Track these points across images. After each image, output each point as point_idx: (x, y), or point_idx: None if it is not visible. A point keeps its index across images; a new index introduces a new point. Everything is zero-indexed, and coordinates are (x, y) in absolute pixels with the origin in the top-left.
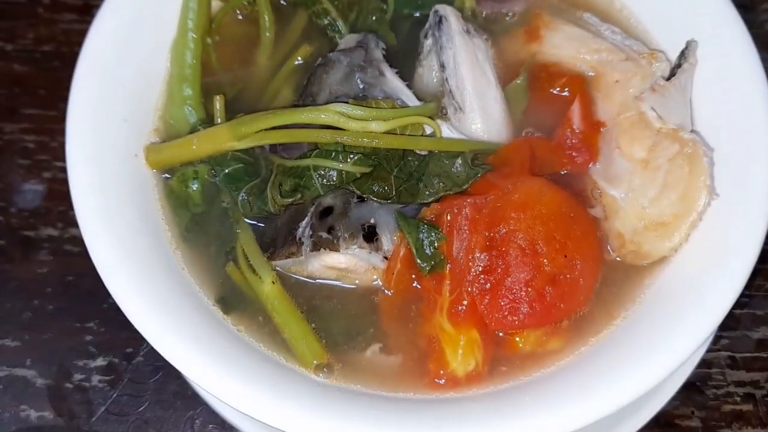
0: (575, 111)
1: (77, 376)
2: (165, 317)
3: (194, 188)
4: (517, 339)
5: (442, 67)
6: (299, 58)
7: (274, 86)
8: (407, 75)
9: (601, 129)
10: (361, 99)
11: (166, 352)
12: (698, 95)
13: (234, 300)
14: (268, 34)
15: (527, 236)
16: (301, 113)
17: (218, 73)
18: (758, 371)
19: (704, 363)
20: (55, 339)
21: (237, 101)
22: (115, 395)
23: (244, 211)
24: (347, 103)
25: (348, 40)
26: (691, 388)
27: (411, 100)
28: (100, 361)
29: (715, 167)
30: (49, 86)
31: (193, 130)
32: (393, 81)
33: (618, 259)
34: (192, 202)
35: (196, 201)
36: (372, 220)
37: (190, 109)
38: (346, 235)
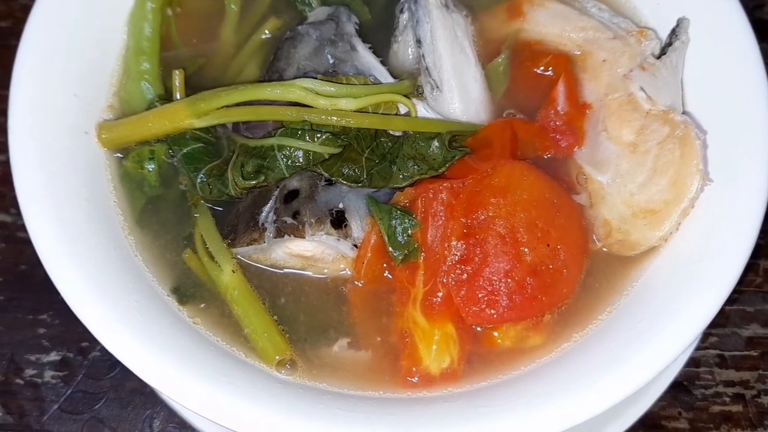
0: (560, 91)
1: (29, 372)
2: (114, 308)
3: (150, 169)
4: (496, 334)
5: (419, 42)
6: (266, 32)
7: (238, 62)
8: (382, 51)
9: (587, 111)
10: (331, 75)
11: (112, 346)
12: (690, 75)
13: (190, 290)
14: (233, 6)
15: (507, 223)
16: (265, 89)
17: (179, 47)
18: (748, 370)
19: (692, 361)
20: (5, 332)
21: (198, 77)
22: (68, 392)
23: (203, 194)
24: (316, 78)
25: (318, 12)
26: (679, 388)
27: (385, 77)
28: (54, 356)
29: (709, 151)
30: (6, 65)
31: (149, 107)
32: (366, 56)
33: (604, 249)
34: (147, 184)
35: (151, 183)
36: (341, 205)
37: (147, 84)
38: (312, 221)
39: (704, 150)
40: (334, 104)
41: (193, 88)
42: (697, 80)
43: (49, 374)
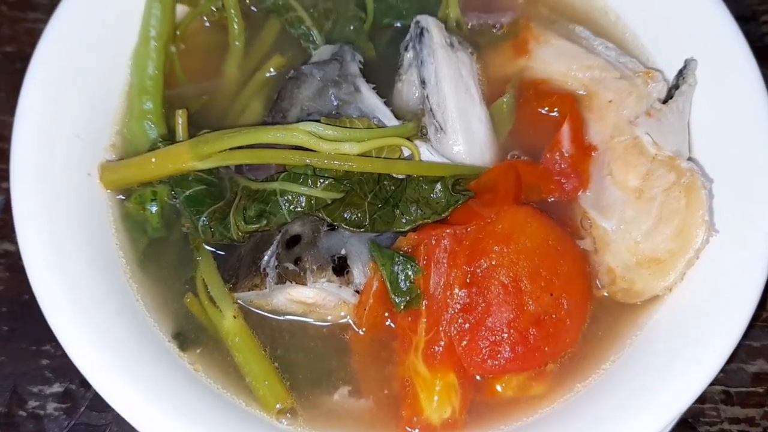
0: (565, 133)
1: (31, 403)
2: (113, 355)
3: (153, 211)
4: (498, 384)
5: (423, 83)
6: (270, 70)
7: (242, 99)
8: (386, 90)
9: (593, 153)
10: (334, 117)
11: (110, 395)
12: (697, 119)
13: (192, 335)
14: (237, 43)
15: (510, 272)
16: (268, 132)
17: (182, 84)
18: (754, 407)
19: (697, 398)
20: (8, 362)
21: (202, 115)
22: (71, 424)
23: (206, 237)
24: (319, 121)
25: (322, 51)
26: (683, 425)
27: (388, 119)
28: (56, 387)
29: (715, 200)
30: (10, 89)
31: (152, 147)
32: (369, 98)
33: (606, 294)
34: (150, 226)
35: (154, 225)
36: (343, 251)
37: (150, 123)
38: (314, 267)
39: (710, 200)
40: (337, 149)
41: (196, 126)
42: (704, 124)
43: (51, 406)
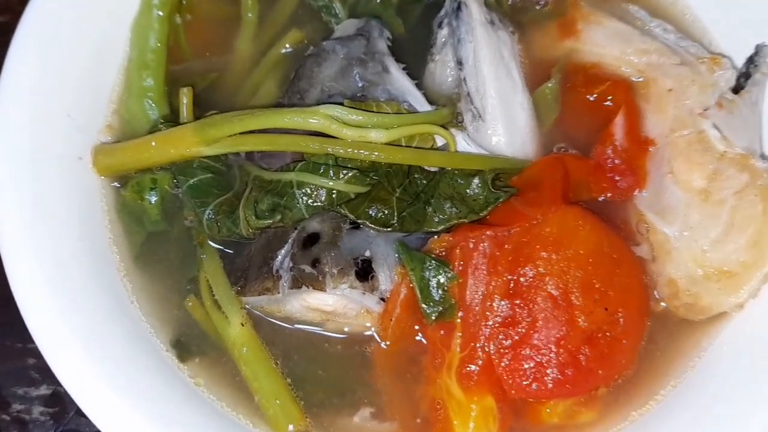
0: (618, 124)
1: (16, 406)
2: (100, 364)
3: (152, 201)
4: (542, 409)
5: (460, 64)
6: (287, 45)
7: (255, 78)
8: (417, 71)
9: (650, 148)
10: (359, 100)
11: (95, 412)
12: None
13: (193, 344)
14: (250, 14)
15: (560, 282)
16: (284, 116)
17: (188, 59)
18: None
19: None
20: None
21: (208, 94)
22: (59, 430)
23: (211, 233)
24: (342, 104)
25: (346, 26)
26: None
27: (420, 104)
28: (44, 390)
29: None
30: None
31: (153, 129)
32: (399, 79)
33: (663, 304)
34: (148, 218)
35: (153, 217)
36: (367, 253)
37: (150, 102)
38: (334, 271)
39: None
40: (362, 136)
41: (202, 106)
42: None
43: (38, 410)
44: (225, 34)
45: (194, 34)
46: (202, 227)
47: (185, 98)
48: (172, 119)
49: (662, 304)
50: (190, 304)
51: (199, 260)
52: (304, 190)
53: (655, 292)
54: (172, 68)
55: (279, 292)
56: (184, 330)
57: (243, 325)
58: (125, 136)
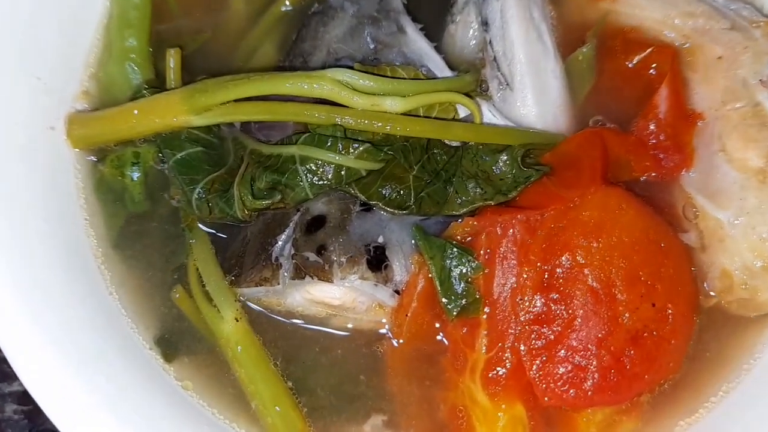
0: (663, 95)
1: None
2: (74, 364)
3: (134, 178)
4: (579, 418)
5: (485, 24)
6: (287, 3)
7: (251, 39)
8: (435, 33)
9: (698, 122)
10: (371, 63)
11: (66, 419)
12: None
13: (180, 342)
14: None
15: (601, 273)
16: (286, 80)
17: (176, 17)
18: None
19: None
20: None
21: (200, 57)
22: (34, 431)
23: (201, 214)
24: (351, 68)
25: None
26: None
27: (440, 69)
28: (17, 386)
29: None
30: None
31: (135, 96)
32: (416, 40)
33: (713, 295)
34: (129, 197)
35: (135, 196)
36: (380, 239)
37: (132, 66)
38: (343, 260)
39: None
40: (375, 104)
41: (191, 71)
42: None
43: (10, 408)
44: None
45: None
46: (191, 208)
47: (173, 61)
48: (158, 85)
49: (713, 298)
50: (177, 295)
51: (188, 246)
52: (308, 166)
53: (705, 285)
54: (158, 27)
55: (279, 283)
56: (170, 326)
57: (238, 321)
58: (104, 103)
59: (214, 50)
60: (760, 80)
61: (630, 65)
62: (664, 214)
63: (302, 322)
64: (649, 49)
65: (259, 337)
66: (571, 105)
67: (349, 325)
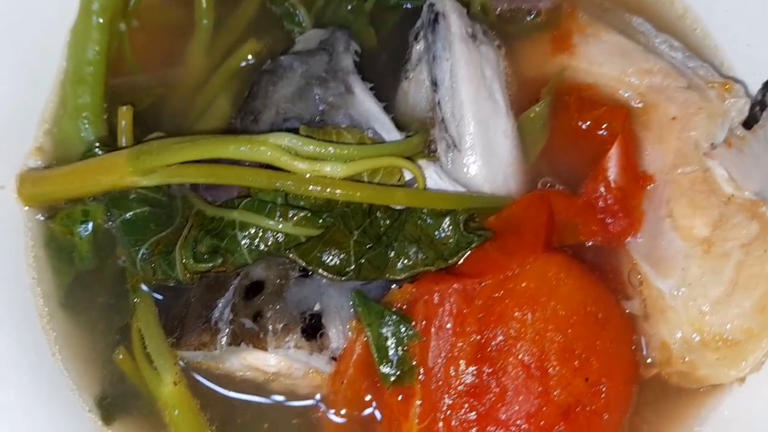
0: (613, 157)
1: None
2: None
3: (83, 235)
4: None
5: (434, 85)
6: (249, 57)
7: (206, 94)
8: (388, 91)
9: (648, 186)
10: (317, 125)
11: None
12: None
13: (120, 403)
14: (205, 20)
15: (535, 347)
16: (228, 145)
17: (133, 72)
18: None
19: None
20: None
21: (153, 113)
22: None
23: (145, 275)
24: (297, 130)
25: (308, 37)
26: None
27: (387, 131)
28: None
29: None
30: None
31: (87, 154)
32: (364, 101)
33: (654, 366)
34: (78, 255)
35: (83, 254)
36: (317, 307)
37: (86, 123)
38: (278, 327)
39: None
40: (317, 170)
41: (145, 126)
42: None
43: None
44: (176, 44)
45: (141, 43)
46: (135, 268)
47: (123, 120)
48: (110, 142)
49: (654, 368)
50: (120, 356)
51: (132, 306)
52: (247, 232)
53: (645, 353)
54: (114, 82)
55: (216, 349)
56: (111, 387)
57: (176, 384)
58: (57, 160)
59: (168, 106)
60: (711, 144)
61: (583, 125)
62: (609, 281)
63: (240, 386)
64: (603, 108)
65: (197, 401)
66: (523, 164)
67: (287, 390)
